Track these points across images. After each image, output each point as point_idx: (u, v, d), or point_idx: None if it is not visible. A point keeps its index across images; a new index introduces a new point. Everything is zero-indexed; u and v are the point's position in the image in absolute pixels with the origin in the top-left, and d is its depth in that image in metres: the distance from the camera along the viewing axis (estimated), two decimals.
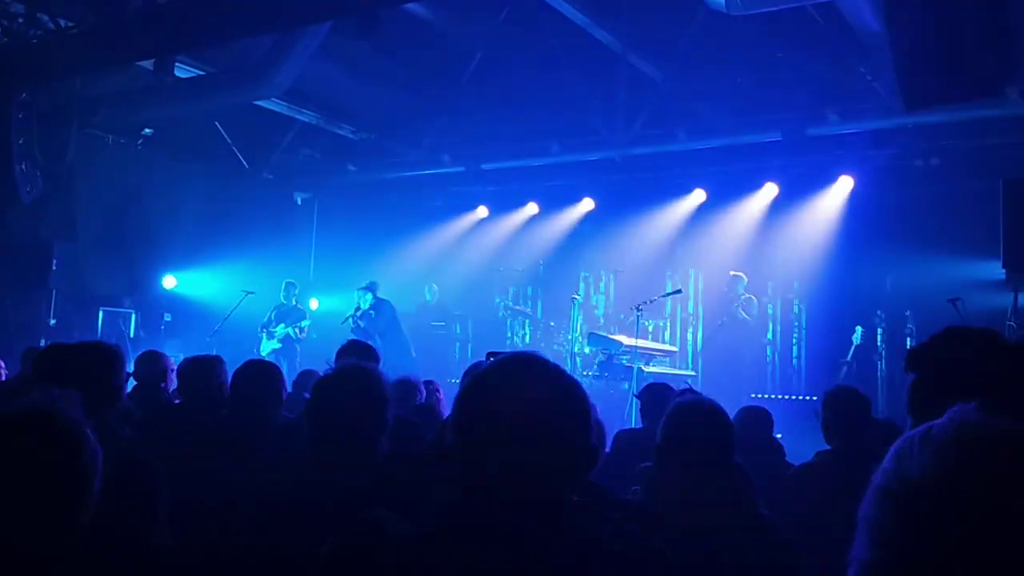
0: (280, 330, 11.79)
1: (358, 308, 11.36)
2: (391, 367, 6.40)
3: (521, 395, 1.43)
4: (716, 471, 2.44)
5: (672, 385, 5.11)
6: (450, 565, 1.36)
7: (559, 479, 1.43)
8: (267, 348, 11.72)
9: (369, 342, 10.71)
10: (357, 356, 3.92)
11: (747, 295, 11.30)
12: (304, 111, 12.26)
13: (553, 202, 13.55)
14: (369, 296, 11.30)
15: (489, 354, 1.80)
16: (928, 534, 0.99)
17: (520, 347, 13.08)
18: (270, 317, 11.96)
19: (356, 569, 1.43)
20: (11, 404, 1.88)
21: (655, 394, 4.90)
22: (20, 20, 9.61)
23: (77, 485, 1.77)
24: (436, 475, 1.57)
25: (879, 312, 10.64)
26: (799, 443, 6.98)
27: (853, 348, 10.55)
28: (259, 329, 11.95)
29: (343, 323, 11.26)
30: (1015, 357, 1.84)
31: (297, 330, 11.79)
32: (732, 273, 11.42)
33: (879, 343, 10.59)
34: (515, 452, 1.39)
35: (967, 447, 1.02)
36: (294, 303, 12.13)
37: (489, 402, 1.46)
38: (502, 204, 13.99)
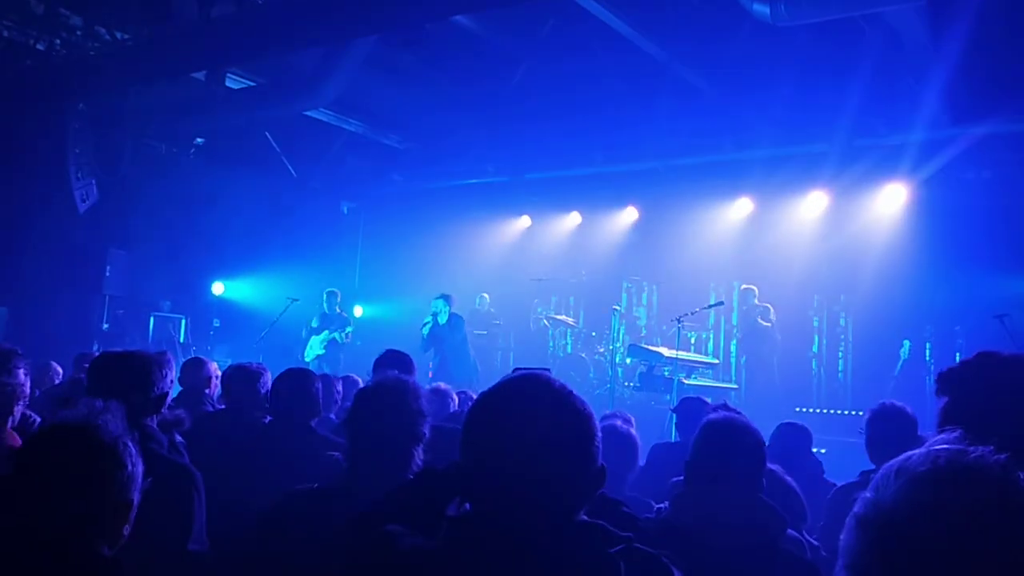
0: (324, 335, 11.92)
1: (435, 315, 11.07)
2: (458, 385, 6.43)
3: (525, 417, 1.46)
4: (744, 491, 2.44)
5: (708, 399, 5.08)
6: None
7: (564, 498, 1.46)
8: (311, 355, 11.86)
9: (438, 355, 10.77)
10: (395, 367, 3.96)
11: (761, 304, 11.31)
12: (351, 121, 12.44)
13: (596, 212, 13.54)
14: (446, 310, 11.05)
15: (515, 370, 1.83)
16: (895, 562, 1.00)
17: (561, 357, 13.09)
18: (315, 323, 12.14)
19: None
20: (58, 415, 1.96)
21: (690, 408, 4.88)
22: (78, 33, 9.91)
23: (117, 497, 1.83)
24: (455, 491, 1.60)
25: (928, 326, 10.45)
26: (843, 458, 6.88)
27: (901, 362, 10.38)
28: (303, 331, 12.10)
29: (422, 328, 11.12)
30: None
31: (343, 335, 11.91)
32: (744, 287, 11.47)
33: (927, 358, 10.40)
34: (519, 472, 1.43)
35: (937, 480, 1.03)
36: (337, 311, 12.25)
37: (494, 423, 1.49)
38: (545, 214, 14.02)
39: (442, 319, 10.93)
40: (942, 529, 0.98)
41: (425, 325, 11.01)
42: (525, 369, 1.63)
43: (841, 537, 1.09)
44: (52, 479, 1.79)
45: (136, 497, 1.88)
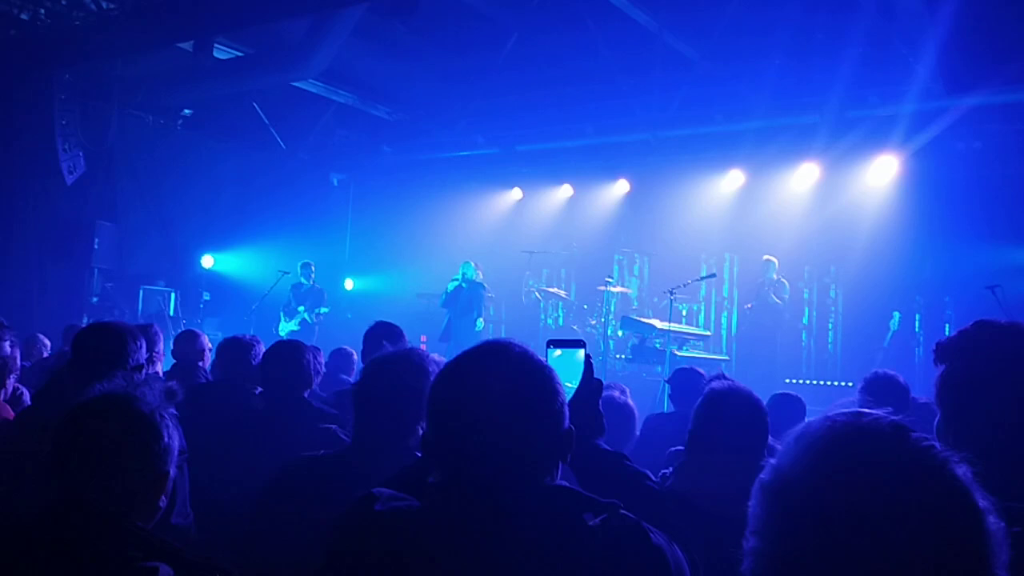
0: (301, 311, 11.83)
1: (464, 276, 11.10)
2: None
3: (484, 384, 1.47)
4: (749, 459, 2.43)
5: (702, 370, 5.09)
6: (428, 541, 1.41)
7: (525, 460, 1.47)
8: (285, 330, 11.73)
9: (447, 316, 10.77)
10: (384, 338, 3.93)
11: (778, 279, 11.21)
12: (340, 92, 12.32)
13: (587, 184, 13.49)
14: (472, 274, 11.08)
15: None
16: (795, 526, 1.03)
17: (553, 329, 13.09)
18: (289, 297, 11.99)
19: (350, 547, 1.49)
20: (95, 388, 1.94)
21: (685, 379, 4.89)
22: (63, 2, 9.75)
23: (155, 468, 1.85)
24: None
25: (917, 298, 10.48)
26: None
27: (890, 334, 10.42)
28: (280, 310, 12.02)
29: (450, 285, 11.09)
30: None
31: (314, 315, 11.80)
32: (765, 258, 11.34)
33: (917, 329, 10.45)
34: (477, 436, 1.45)
35: (832, 443, 1.06)
36: (311, 283, 12.12)
37: (451, 389, 1.51)
38: (536, 186, 13.97)
39: (466, 285, 11.02)
40: (838, 491, 1.00)
41: (453, 281, 11.00)
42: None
43: (749, 503, 1.11)
44: (92, 452, 1.79)
45: (173, 470, 1.90)
